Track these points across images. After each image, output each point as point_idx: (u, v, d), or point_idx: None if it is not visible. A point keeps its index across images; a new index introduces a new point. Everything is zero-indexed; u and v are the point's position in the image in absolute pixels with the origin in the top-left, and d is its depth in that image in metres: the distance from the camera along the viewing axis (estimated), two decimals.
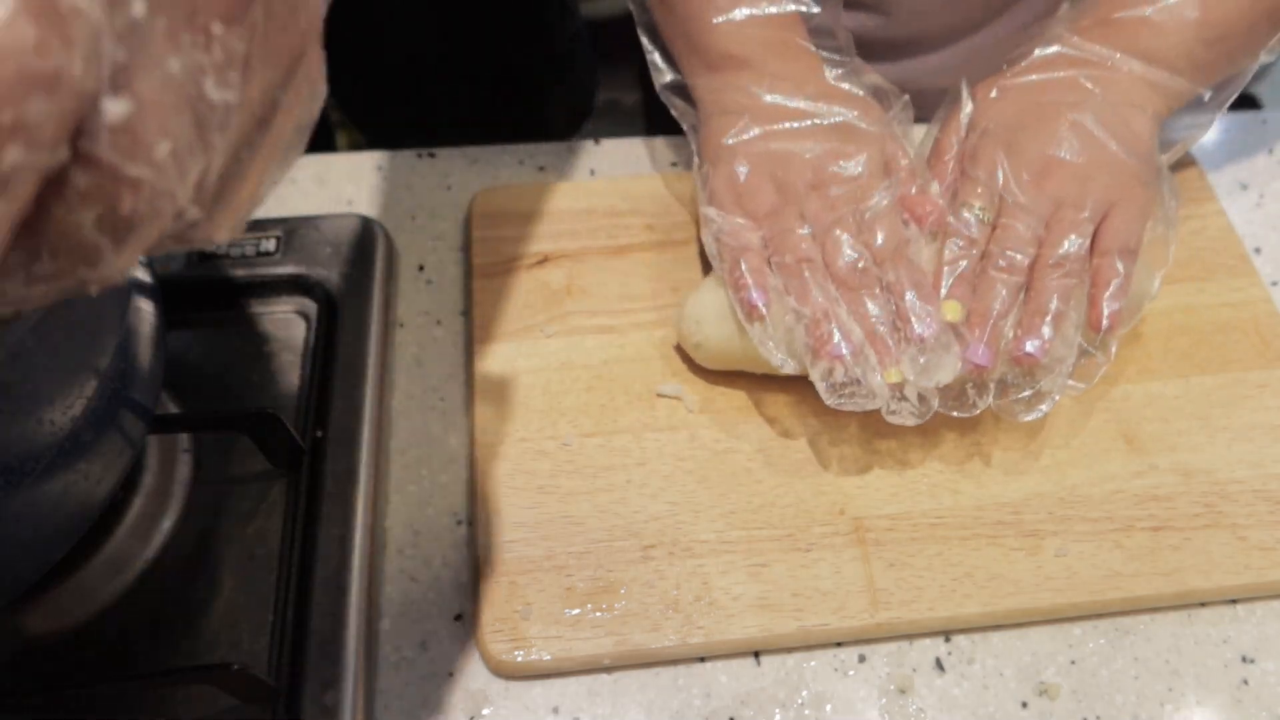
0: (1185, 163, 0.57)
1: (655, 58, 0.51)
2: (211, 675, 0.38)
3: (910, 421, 0.42)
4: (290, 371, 0.49)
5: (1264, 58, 0.46)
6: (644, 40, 0.51)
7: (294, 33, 0.20)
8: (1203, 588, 0.43)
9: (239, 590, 0.42)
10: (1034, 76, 0.46)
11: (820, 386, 0.42)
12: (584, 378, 0.49)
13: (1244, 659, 0.43)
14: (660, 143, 0.59)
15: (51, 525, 0.35)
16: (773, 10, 0.47)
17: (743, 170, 0.46)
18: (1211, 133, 0.61)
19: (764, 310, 0.43)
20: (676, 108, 0.51)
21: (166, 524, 0.44)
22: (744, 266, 0.44)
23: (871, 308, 0.43)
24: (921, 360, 0.41)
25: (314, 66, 0.22)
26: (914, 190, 0.45)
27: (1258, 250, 0.56)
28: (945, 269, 0.44)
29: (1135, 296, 0.45)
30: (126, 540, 0.43)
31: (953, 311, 0.42)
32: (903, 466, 0.46)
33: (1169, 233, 0.46)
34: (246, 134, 0.20)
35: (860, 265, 0.43)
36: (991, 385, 0.43)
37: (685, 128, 0.51)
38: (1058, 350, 0.42)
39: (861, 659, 0.43)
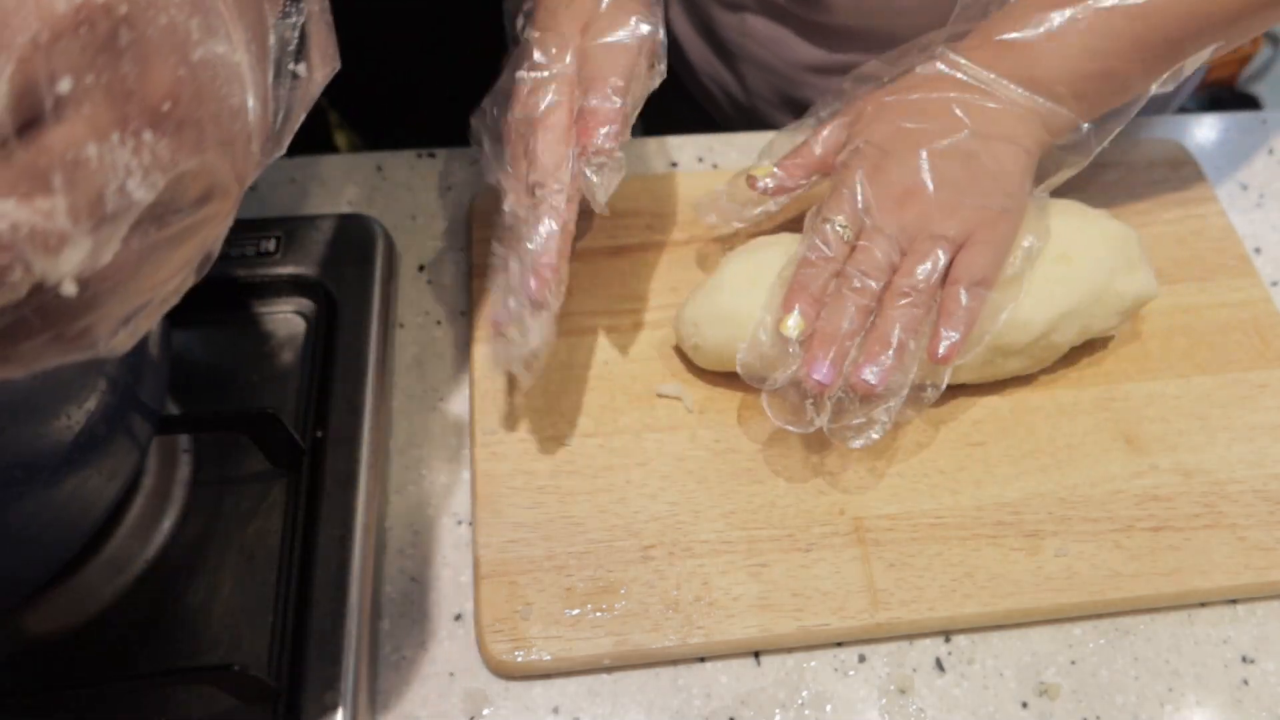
0: (1185, 163, 0.57)
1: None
2: (212, 676, 0.38)
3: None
4: (290, 372, 0.49)
5: (1155, 89, 0.45)
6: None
7: (218, 160, 0.22)
8: (1203, 588, 0.43)
9: (239, 590, 0.42)
10: (914, 96, 0.46)
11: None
12: (584, 378, 0.49)
13: (1244, 659, 0.43)
14: (659, 142, 0.59)
15: (64, 523, 0.35)
16: None
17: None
18: (1211, 133, 0.61)
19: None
20: None
21: (166, 524, 0.44)
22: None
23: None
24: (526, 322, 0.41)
25: (226, 204, 0.24)
26: (593, 102, 0.41)
27: (1258, 250, 0.56)
28: (795, 280, 0.43)
29: (980, 331, 0.44)
30: (127, 541, 0.43)
31: (790, 326, 0.42)
32: (902, 466, 0.46)
33: (1025, 269, 0.45)
34: (141, 226, 0.21)
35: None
36: (829, 404, 0.43)
37: None
38: (895, 380, 0.42)
39: (862, 659, 0.43)
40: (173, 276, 0.24)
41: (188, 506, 0.45)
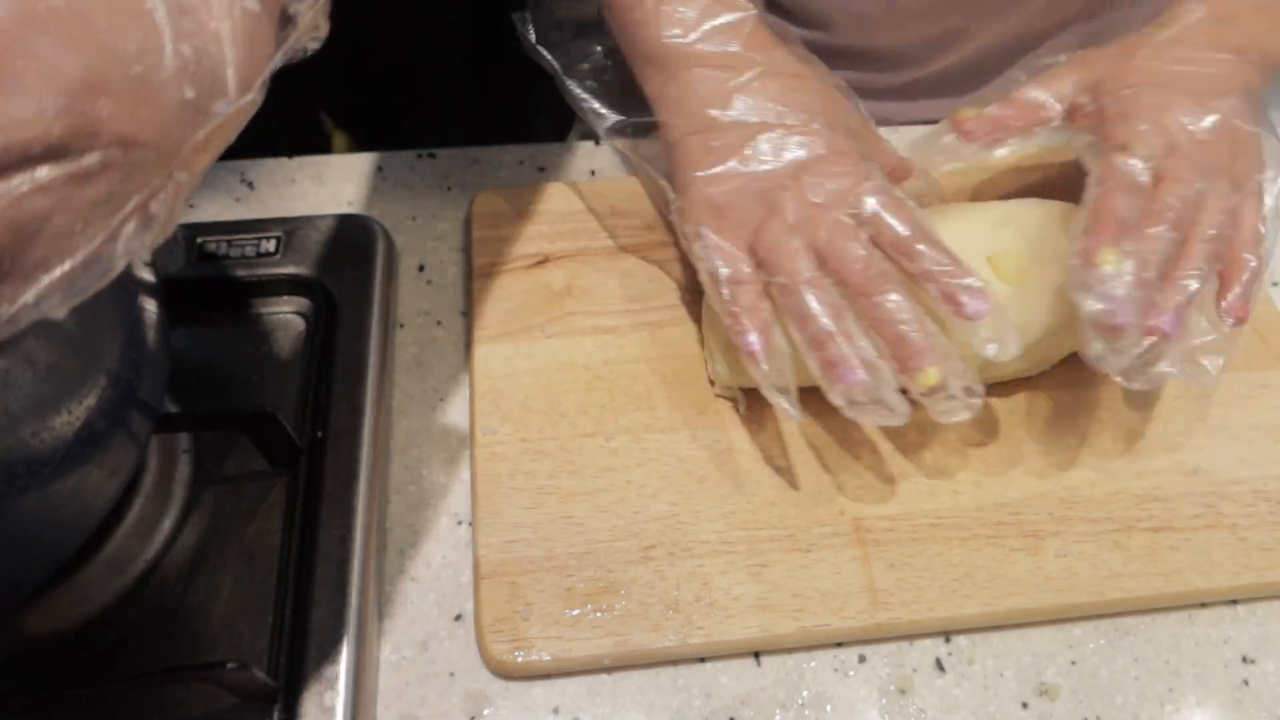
0: None
1: (593, 104, 0.49)
2: (211, 674, 0.38)
3: (962, 416, 0.40)
4: (290, 372, 0.48)
5: None
6: (575, 91, 0.49)
7: (100, 107, 0.22)
8: (1203, 588, 0.43)
9: (239, 590, 0.42)
10: (1169, 37, 0.44)
11: (841, 406, 0.41)
12: (584, 378, 0.49)
13: (1244, 659, 0.43)
14: None
15: (64, 521, 0.35)
16: (723, 20, 0.44)
17: (720, 191, 0.43)
18: None
19: (760, 354, 0.41)
20: (624, 147, 0.49)
21: (166, 524, 0.44)
22: (739, 303, 0.42)
23: (893, 308, 0.40)
24: (984, 336, 0.40)
25: (137, 154, 0.23)
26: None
27: None
28: (1098, 211, 0.40)
29: None
30: (127, 540, 0.43)
31: (1112, 260, 0.39)
32: (903, 467, 0.46)
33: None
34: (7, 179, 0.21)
35: (873, 266, 0.41)
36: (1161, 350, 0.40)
37: (636, 164, 0.49)
38: (1189, 329, 0.40)
39: (862, 659, 0.43)
40: (89, 236, 0.23)
41: (188, 506, 0.44)
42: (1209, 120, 0.42)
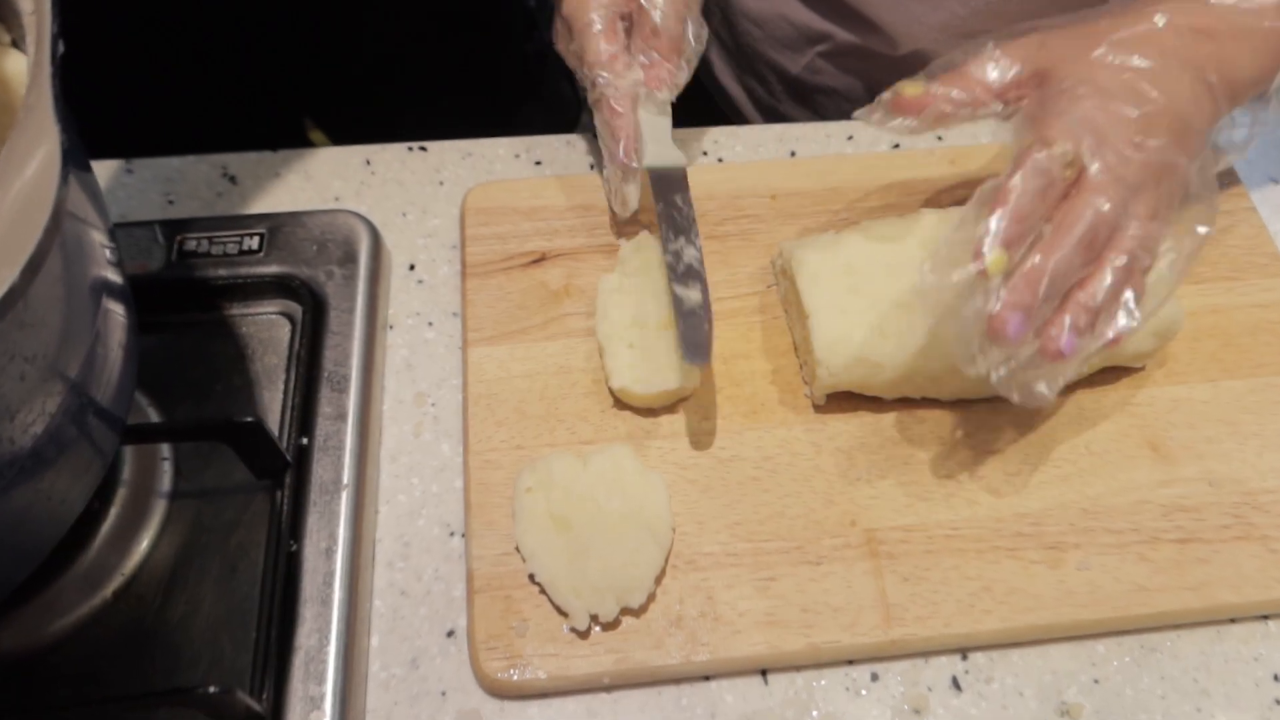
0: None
1: None
2: (192, 698, 0.37)
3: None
4: (275, 376, 0.48)
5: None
6: None
7: None
8: (1232, 602, 0.42)
9: (220, 606, 0.41)
10: (1131, 36, 0.42)
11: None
12: (582, 382, 0.48)
13: (1276, 678, 0.42)
14: None
15: (14, 542, 0.34)
16: None
17: None
18: (1242, 128, 0.59)
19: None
20: None
21: (144, 536, 0.43)
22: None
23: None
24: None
25: None
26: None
27: None
28: (995, 199, 0.39)
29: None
30: (102, 553, 0.42)
31: (998, 264, 0.38)
32: (917, 475, 0.45)
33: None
34: None
35: None
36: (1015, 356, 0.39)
37: None
38: (1087, 346, 0.39)
39: (874, 678, 0.42)
40: None
41: (167, 518, 0.44)
42: (1146, 139, 0.40)
